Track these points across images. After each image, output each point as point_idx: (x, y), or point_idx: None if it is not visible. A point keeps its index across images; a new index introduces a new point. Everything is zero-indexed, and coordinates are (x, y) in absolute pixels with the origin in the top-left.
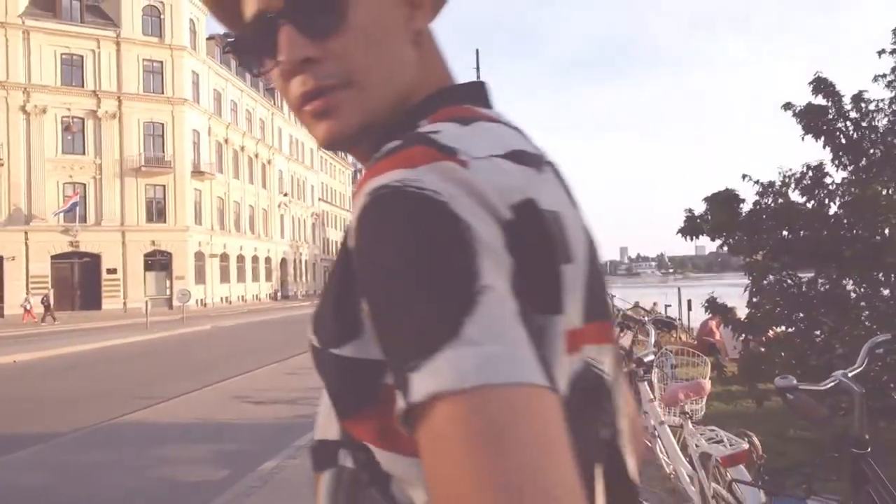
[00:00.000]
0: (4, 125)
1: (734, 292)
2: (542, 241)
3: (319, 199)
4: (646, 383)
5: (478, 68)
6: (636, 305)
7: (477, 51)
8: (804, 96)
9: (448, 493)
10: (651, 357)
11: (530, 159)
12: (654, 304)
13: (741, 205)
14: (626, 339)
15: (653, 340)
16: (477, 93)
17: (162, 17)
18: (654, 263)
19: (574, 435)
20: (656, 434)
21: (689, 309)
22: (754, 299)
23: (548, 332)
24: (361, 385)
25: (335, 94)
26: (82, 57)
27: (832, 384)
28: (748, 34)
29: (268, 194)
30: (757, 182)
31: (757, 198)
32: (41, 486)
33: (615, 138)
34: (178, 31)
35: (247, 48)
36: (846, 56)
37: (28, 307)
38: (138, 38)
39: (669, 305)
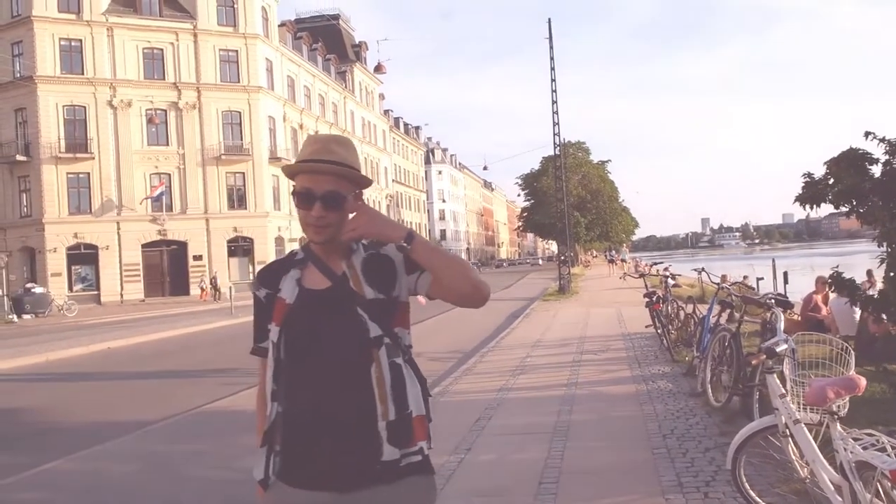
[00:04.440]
0: (94, 120)
1: (829, 263)
2: None
3: (393, 181)
4: (775, 376)
5: (550, 37)
6: (725, 280)
7: (549, 20)
8: None
9: (460, 265)
10: (784, 346)
11: None
12: (745, 277)
13: (873, 166)
14: (723, 318)
15: (781, 326)
16: None
17: (235, 6)
18: (738, 234)
19: None
20: (788, 433)
21: (786, 282)
22: (892, 273)
23: None
24: (396, 304)
25: (328, 227)
26: (162, 50)
27: None
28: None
29: None
30: (883, 140)
31: (887, 157)
32: (132, 477)
33: (691, 102)
34: (252, 20)
35: (304, 199)
36: None
37: (204, 287)
38: (213, 28)
39: (762, 278)
